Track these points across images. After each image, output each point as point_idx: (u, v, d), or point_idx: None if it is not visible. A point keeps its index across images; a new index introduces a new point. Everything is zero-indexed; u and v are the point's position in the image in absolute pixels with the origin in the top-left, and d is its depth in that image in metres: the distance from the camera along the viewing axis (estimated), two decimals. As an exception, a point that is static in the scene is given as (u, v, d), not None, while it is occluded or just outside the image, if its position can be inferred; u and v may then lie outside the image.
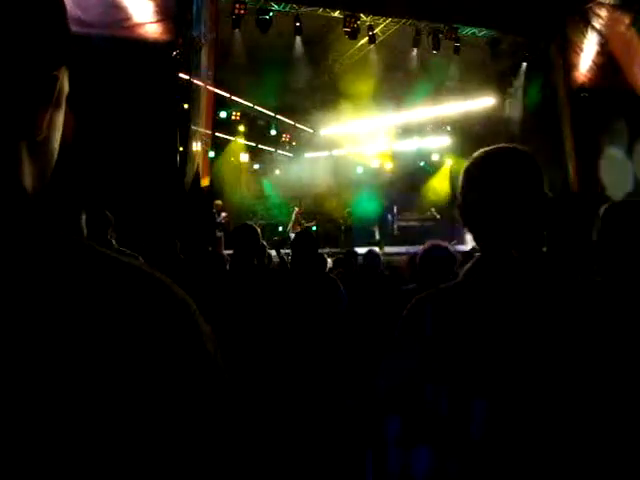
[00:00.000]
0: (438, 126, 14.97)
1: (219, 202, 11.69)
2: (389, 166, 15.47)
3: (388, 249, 11.71)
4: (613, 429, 0.92)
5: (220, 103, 12.07)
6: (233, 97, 12.36)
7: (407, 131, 14.99)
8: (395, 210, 14.00)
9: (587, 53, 10.44)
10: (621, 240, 1.59)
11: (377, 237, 13.71)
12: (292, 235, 11.72)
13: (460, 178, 1.16)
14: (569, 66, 10.85)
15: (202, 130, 10.64)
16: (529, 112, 12.01)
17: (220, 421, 0.50)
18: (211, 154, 11.60)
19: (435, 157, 15.74)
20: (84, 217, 2.64)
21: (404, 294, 2.97)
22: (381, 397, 1.11)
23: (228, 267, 4.16)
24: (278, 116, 14.35)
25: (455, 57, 11.78)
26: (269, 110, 14.03)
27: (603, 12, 9.94)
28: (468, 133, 14.52)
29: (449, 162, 15.60)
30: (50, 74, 0.51)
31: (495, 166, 1.10)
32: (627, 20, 9.52)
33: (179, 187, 8.64)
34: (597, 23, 10.06)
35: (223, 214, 11.67)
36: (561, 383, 0.94)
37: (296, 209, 13.52)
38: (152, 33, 7.99)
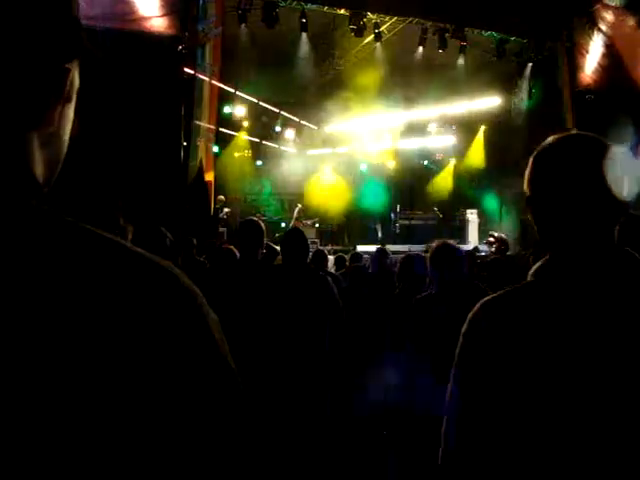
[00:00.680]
0: (442, 125, 14.92)
1: (222, 197, 11.63)
2: (392, 164, 15.42)
3: (390, 247, 11.66)
4: None
5: (224, 98, 12.06)
6: (238, 92, 12.34)
7: (411, 129, 14.92)
8: (398, 208, 13.96)
9: (593, 55, 10.41)
10: None
11: (379, 235, 13.70)
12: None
13: (529, 167, 1.05)
14: (574, 67, 10.83)
15: (206, 125, 10.65)
16: (534, 113, 11.98)
17: (228, 412, 0.50)
18: (215, 149, 11.59)
19: (439, 156, 15.70)
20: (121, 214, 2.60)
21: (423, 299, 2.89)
22: (457, 452, 0.97)
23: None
24: (282, 112, 14.34)
25: (461, 56, 11.76)
26: (273, 106, 14.02)
27: (609, 14, 9.91)
28: (473, 133, 14.49)
29: (453, 161, 15.57)
30: (62, 67, 0.52)
31: (579, 154, 0.99)
32: (633, 22, 9.48)
33: (183, 182, 8.64)
34: (603, 25, 10.03)
35: (226, 209, 11.62)
36: None
37: (299, 206, 13.48)
38: (157, 27, 7.98)
